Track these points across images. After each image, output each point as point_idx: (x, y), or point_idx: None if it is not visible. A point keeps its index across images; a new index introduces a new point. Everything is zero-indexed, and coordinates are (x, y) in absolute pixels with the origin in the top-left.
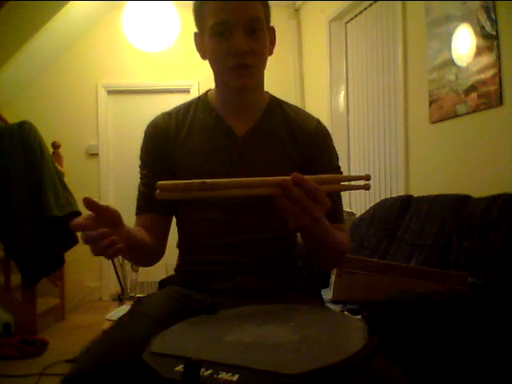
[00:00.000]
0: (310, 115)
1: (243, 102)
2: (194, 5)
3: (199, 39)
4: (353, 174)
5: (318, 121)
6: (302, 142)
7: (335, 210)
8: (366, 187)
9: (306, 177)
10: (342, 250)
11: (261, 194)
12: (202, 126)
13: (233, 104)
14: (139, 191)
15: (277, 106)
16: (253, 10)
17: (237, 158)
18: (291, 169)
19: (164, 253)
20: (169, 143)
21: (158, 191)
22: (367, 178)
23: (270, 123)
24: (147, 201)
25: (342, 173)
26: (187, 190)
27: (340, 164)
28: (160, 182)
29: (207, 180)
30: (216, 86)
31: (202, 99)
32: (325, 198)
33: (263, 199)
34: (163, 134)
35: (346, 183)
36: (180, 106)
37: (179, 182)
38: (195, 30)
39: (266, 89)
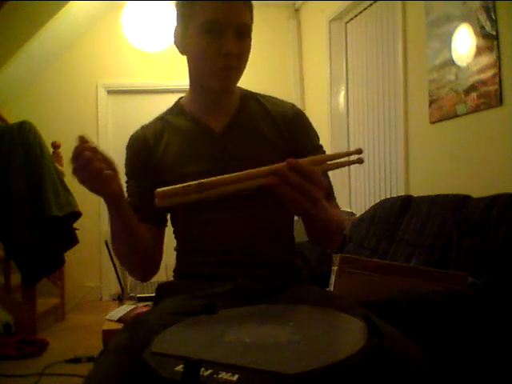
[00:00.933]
0: (285, 101)
1: (219, 102)
2: (181, 1)
3: (179, 33)
4: (353, 173)
5: (293, 105)
6: (283, 128)
7: (326, 187)
8: (359, 161)
9: (300, 160)
10: (342, 227)
11: (258, 185)
12: (180, 130)
13: (208, 104)
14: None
15: (250, 98)
16: (244, 15)
17: (220, 154)
18: (276, 155)
19: (159, 266)
20: (150, 153)
21: (156, 199)
22: (358, 151)
23: (246, 115)
24: (134, 211)
25: (324, 151)
26: (185, 193)
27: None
28: (158, 190)
29: (204, 180)
30: (191, 87)
31: (176, 106)
32: (321, 179)
33: (259, 193)
34: (143, 144)
35: (338, 160)
36: (156, 117)
37: (176, 186)
38: None
39: (266, 89)
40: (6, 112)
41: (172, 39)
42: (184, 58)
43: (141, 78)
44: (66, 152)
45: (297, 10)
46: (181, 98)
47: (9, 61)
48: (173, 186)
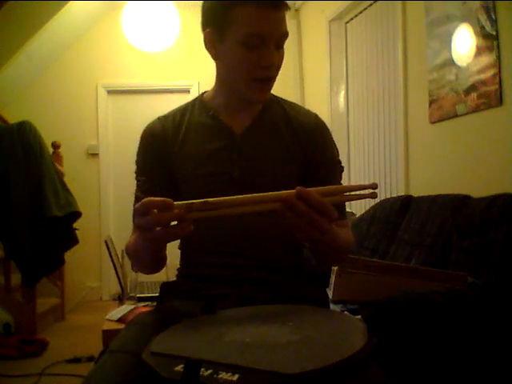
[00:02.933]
0: (308, 110)
1: (244, 105)
2: (216, 4)
3: (213, 39)
4: (353, 173)
5: (317, 116)
6: (302, 137)
7: (338, 206)
8: (373, 195)
9: (310, 190)
10: (348, 248)
11: (265, 209)
12: (200, 126)
13: (232, 105)
14: (136, 198)
15: (274, 102)
16: (284, 25)
17: (237, 157)
18: (292, 164)
19: (165, 262)
20: (166, 147)
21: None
22: (374, 186)
23: (268, 120)
24: None
25: (343, 167)
26: (188, 210)
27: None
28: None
29: (209, 200)
30: (218, 89)
31: (199, 101)
32: (331, 209)
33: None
34: (160, 138)
35: (352, 193)
36: (176, 109)
37: (180, 202)
38: (195, 29)
39: None
40: (6, 112)
41: (203, 43)
42: (184, 58)
43: (141, 78)
44: (66, 152)
45: (297, 10)
46: (204, 93)
47: (9, 61)
48: (176, 202)
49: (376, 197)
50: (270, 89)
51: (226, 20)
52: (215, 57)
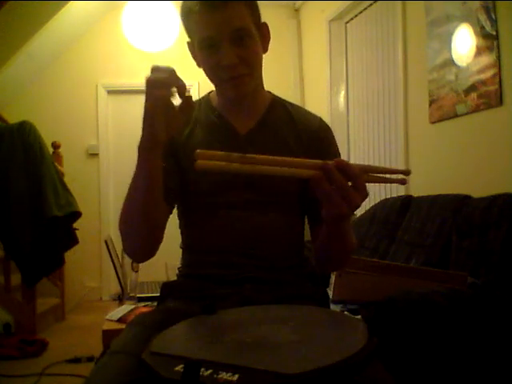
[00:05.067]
0: (313, 113)
1: (244, 105)
2: (182, 15)
3: (192, 48)
4: None
5: (321, 119)
6: (306, 140)
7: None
8: (403, 182)
9: (350, 163)
10: (352, 249)
11: (301, 176)
12: (205, 125)
13: (234, 106)
14: None
15: (279, 104)
16: (237, 19)
17: None
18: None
19: (158, 247)
20: (171, 142)
21: (197, 160)
22: (407, 172)
23: (272, 121)
24: None
25: None
26: (227, 159)
27: None
28: (198, 150)
29: (247, 155)
30: (216, 89)
31: (205, 100)
32: (365, 187)
33: (271, 197)
34: None
35: (383, 175)
36: None
37: (218, 152)
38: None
39: (266, 89)
40: (6, 112)
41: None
42: (184, 58)
43: (141, 78)
44: (66, 152)
45: (297, 10)
46: (210, 93)
47: (9, 61)
48: (215, 151)
49: (405, 183)
50: (246, 85)
51: (190, 30)
52: (198, 64)
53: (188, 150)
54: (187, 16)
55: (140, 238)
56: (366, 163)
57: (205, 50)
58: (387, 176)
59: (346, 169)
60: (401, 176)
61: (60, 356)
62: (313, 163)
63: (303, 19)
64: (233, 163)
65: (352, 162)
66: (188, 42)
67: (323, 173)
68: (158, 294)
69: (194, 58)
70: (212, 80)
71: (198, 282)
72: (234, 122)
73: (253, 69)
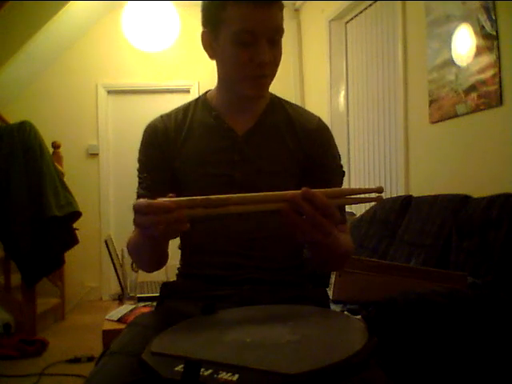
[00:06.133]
0: (311, 113)
1: (246, 105)
2: (210, 4)
3: (209, 39)
4: (353, 173)
5: (319, 119)
6: (304, 140)
7: (338, 210)
8: (378, 199)
9: (316, 191)
10: (348, 254)
11: (269, 209)
12: (202, 126)
13: (235, 105)
14: (138, 195)
15: (278, 104)
16: (277, 19)
17: (238, 158)
18: (293, 166)
19: (167, 260)
20: (168, 145)
21: None
22: (379, 190)
23: (270, 121)
24: None
25: (344, 171)
26: (191, 205)
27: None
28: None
29: (212, 196)
30: (220, 87)
31: (202, 100)
32: (335, 212)
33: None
34: (162, 136)
35: (356, 196)
36: (179, 107)
37: (182, 198)
38: (195, 29)
39: None
40: (6, 112)
41: (201, 43)
42: (184, 58)
43: (141, 78)
44: (66, 152)
45: (297, 10)
46: (207, 92)
47: (9, 61)
48: (179, 198)
49: (381, 201)
50: (266, 86)
51: (219, 19)
52: (212, 56)
53: (184, 154)
54: (224, 4)
55: (148, 266)
56: (366, 163)
57: (239, 43)
58: (362, 196)
59: (312, 199)
60: (375, 194)
61: (60, 356)
62: (279, 195)
63: (303, 19)
64: (197, 208)
65: (352, 161)
66: (204, 32)
67: (290, 204)
68: (158, 294)
69: (208, 48)
70: (232, 75)
71: (198, 282)
72: (232, 122)
73: (275, 71)
